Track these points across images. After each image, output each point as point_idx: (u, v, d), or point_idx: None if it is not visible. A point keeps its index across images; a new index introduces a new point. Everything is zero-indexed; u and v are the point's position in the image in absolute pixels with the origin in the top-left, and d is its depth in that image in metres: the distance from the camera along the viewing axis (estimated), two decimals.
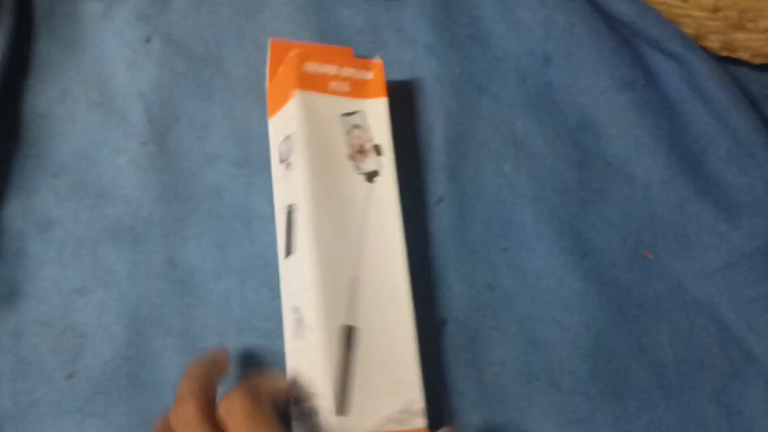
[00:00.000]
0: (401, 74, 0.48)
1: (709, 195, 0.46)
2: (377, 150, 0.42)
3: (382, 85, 0.43)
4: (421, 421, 0.37)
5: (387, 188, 0.42)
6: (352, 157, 0.41)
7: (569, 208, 0.46)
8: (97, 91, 0.47)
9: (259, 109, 0.47)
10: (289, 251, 0.40)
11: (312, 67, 0.42)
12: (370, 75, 0.43)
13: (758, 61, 0.49)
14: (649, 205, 0.46)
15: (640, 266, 0.45)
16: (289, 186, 0.40)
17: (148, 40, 0.48)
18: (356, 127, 0.42)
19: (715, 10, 0.47)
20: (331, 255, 0.38)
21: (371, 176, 0.41)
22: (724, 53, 0.49)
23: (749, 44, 0.47)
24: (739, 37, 0.47)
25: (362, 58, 0.45)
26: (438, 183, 0.46)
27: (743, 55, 0.48)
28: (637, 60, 0.49)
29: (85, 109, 0.46)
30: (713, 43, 0.48)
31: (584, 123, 0.48)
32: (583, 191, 0.46)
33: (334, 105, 0.42)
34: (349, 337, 0.37)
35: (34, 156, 0.45)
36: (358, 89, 0.43)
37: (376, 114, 0.43)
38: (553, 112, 0.48)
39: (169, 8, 0.49)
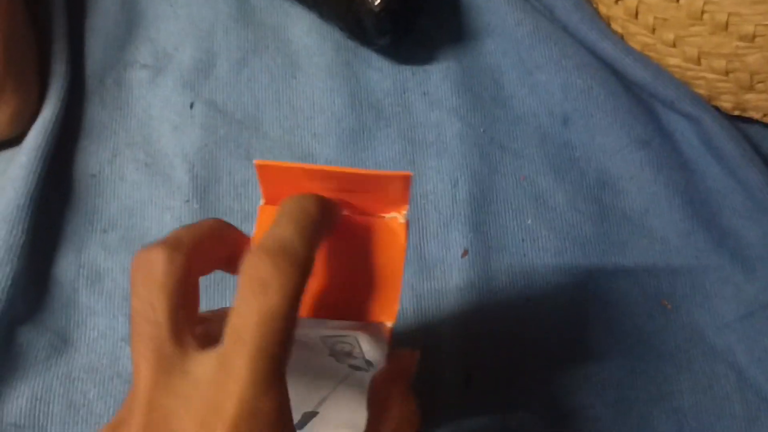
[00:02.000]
0: (427, 135, 0.51)
1: (725, 248, 0.48)
2: (368, 364, 0.31)
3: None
4: None
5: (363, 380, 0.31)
6: (333, 354, 0.31)
7: (590, 260, 0.48)
8: (144, 152, 0.50)
9: None
10: None
11: None
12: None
13: None
14: (667, 257, 0.48)
15: (659, 316, 0.47)
16: None
17: (191, 106, 0.51)
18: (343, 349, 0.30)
19: (727, 72, 0.49)
20: None
21: (355, 368, 0.32)
22: (736, 113, 0.51)
23: (760, 104, 0.50)
24: (750, 97, 0.49)
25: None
26: (463, 236, 0.48)
27: (754, 115, 0.50)
28: (652, 119, 0.51)
29: (133, 169, 0.50)
30: (725, 103, 0.51)
31: (603, 179, 0.50)
32: (603, 244, 0.48)
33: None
34: None
35: (85, 213, 0.48)
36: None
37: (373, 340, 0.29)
38: (573, 169, 0.50)
39: (212, 76, 0.52)
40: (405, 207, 0.28)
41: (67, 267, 0.47)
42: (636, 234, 0.49)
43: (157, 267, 0.24)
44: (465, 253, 0.48)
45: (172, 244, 0.25)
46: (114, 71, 0.53)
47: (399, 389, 0.29)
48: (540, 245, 0.48)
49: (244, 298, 0.23)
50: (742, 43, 0.47)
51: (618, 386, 0.45)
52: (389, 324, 0.26)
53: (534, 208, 0.49)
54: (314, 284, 0.27)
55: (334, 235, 0.28)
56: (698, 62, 0.50)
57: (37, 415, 0.42)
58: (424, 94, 0.52)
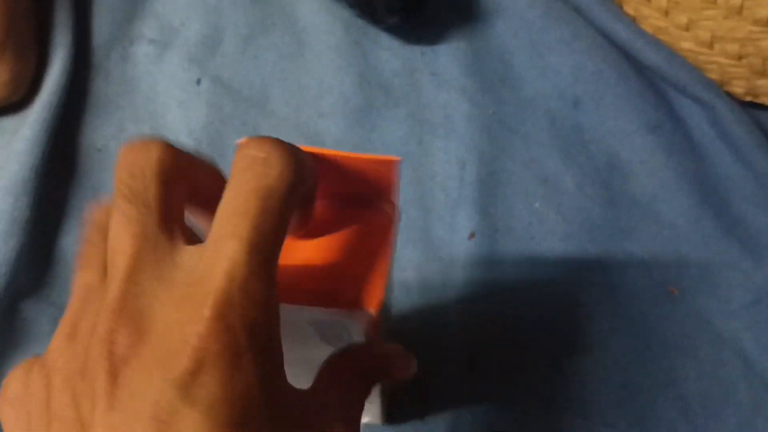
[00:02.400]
0: (435, 115, 0.51)
1: (734, 234, 0.47)
2: None
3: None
4: None
5: None
6: (324, 339, 0.29)
7: (597, 245, 0.48)
8: (150, 127, 0.50)
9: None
10: None
11: None
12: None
13: None
14: (675, 243, 0.48)
15: (666, 302, 0.46)
16: None
17: (198, 82, 0.51)
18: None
19: (740, 57, 0.48)
20: None
21: None
22: (748, 98, 0.50)
23: None
24: (763, 83, 0.49)
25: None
26: (470, 218, 0.48)
27: (767, 101, 0.50)
28: (663, 104, 0.51)
29: None
30: (738, 88, 0.50)
31: (612, 164, 0.50)
32: (611, 229, 0.48)
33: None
34: None
35: (91, 188, 0.48)
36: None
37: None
38: (582, 152, 0.50)
39: (219, 52, 0.52)
40: (394, 194, 0.27)
41: (72, 242, 0.46)
42: (644, 219, 0.48)
43: (154, 151, 0.22)
44: (472, 235, 0.47)
45: (157, 137, 0.23)
46: (120, 45, 0.52)
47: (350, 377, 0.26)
48: (547, 229, 0.48)
49: (241, 174, 0.21)
50: (756, 28, 0.46)
51: (623, 372, 0.45)
52: (373, 312, 0.26)
53: (542, 192, 0.49)
54: (299, 271, 0.26)
55: (321, 221, 0.27)
56: (711, 46, 0.49)
57: None
58: (433, 74, 0.52)
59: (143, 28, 0.53)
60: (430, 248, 0.47)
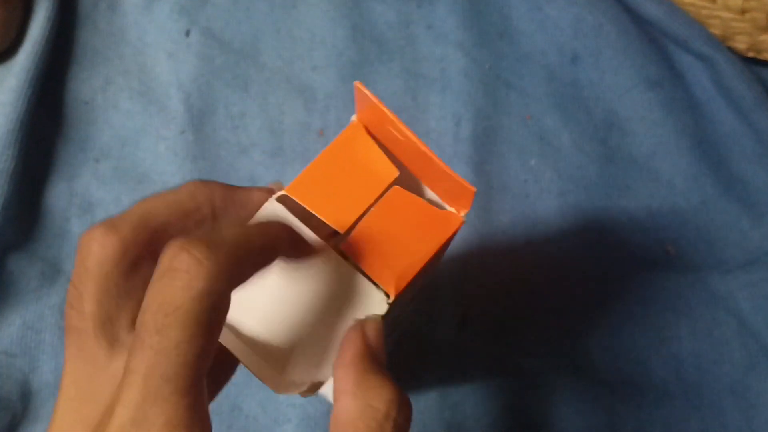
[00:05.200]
0: (431, 70, 0.49)
1: (732, 193, 0.47)
2: None
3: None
4: None
5: None
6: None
7: (593, 202, 0.47)
8: (139, 80, 0.49)
9: (293, 101, 0.48)
10: None
11: None
12: None
13: None
14: (672, 201, 0.47)
15: (662, 261, 0.46)
16: None
17: (187, 33, 0.50)
18: None
19: (743, 11, 0.47)
20: None
21: None
22: (751, 54, 0.49)
23: None
24: (766, 38, 0.48)
25: None
26: (464, 176, 0.47)
27: None
28: (664, 59, 0.49)
29: (127, 98, 0.48)
30: (740, 44, 0.49)
31: (610, 120, 0.49)
32: (608, 187, 0.47)
33: None
34: None
35: (78, 141, 0.47)
36: None
37: None
38: (580, 109, 0.49)
39: (208, 2, 0.50)
40: (466, 210, 0.27)
41: (59, 196, 0.46)
42: (642, 177, 0.48)
43: (90, 250, 0.21)
44: None
45: (110, 224, 0.21)
46: None
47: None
48: (543, 186, 0.47)
49: (150, 285, 0.19)
50: None
51: (616, 331, 0.44)
52: (390, 294, 0.26)
53: (538, 148, 0.48)
54: (363, 229, 0.26)
55: (394, 197, 0.27)
56: (713, 0, 0.48)
57: (28, 343, 0.42)
58: (429, 27, 0.51)
59: None
60: None
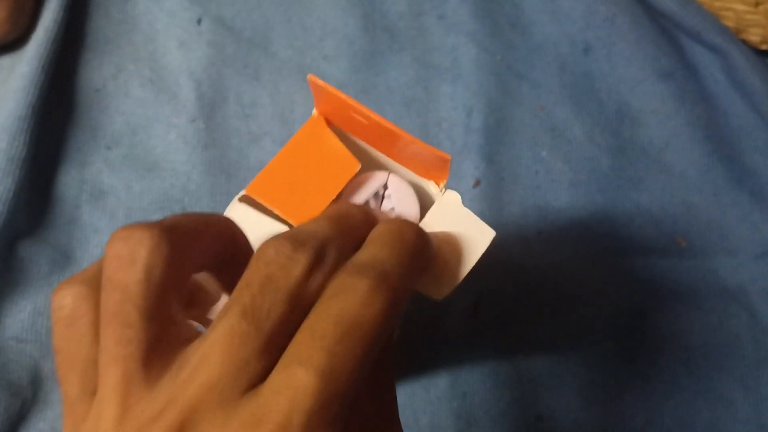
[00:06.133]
0: (442, 60, 0.49)
1: (744, 186, 0.47)
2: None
3: None
4: None
5: None
6: None
7: (605, 194, 0.47)
8: (150, 68, 0.49)
9: (303, 90, 0.48)
10: None
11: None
12: None
13: None
14: (684, 193, 0.47)
15: (673, 253, 0.46)
16: None
17: (199, 22, 0.50)
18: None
19: (757, 4, 0.47)
20: None
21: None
22: (764, 47, 0.49)
23: None
24: None
25: None
26: (476, 166, 0.47)
27: None
28: (676, 51, 0.49)
29: (138, 86, 0.48)
30: (753, 36, 0.49)
31: (622, 112, 0.48)
32: (619, 179, 0.47)
33: None
34: None
35: (89, 128, 0.47)
36: None
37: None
38: (592, 100, 0.49)
39: None
40: (444, 180, 0.27)
41: (70, 183, 0.46)
42: (654, 169, 0.47)
43: (140, 257, 0.19)
44: (477, 183, 0.47)
45: (166, 227, 0.20)
46: None
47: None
48: (554, 178, 0.47)
49: (327, 300, 0.19)
50: None
51: (627, 322, 0.44)
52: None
53: (550, 140, 0.48)
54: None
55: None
56: None
57: (38, 329, 0.42)
58: (441, 17, 0.50)
59: None
60: None
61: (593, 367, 0.43)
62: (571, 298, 0.45)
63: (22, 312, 0.42)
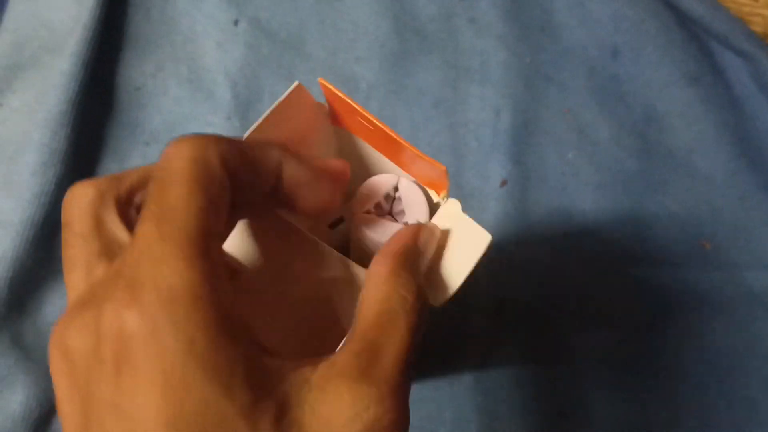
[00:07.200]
0: (472, 62, 0.50)
1: None
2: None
3: None
4: None
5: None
6: None
7: (631, 197, 0.47)
8: (188, 67, 0.50)
9: None
10: None
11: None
12: None
13: None
14: (710, 197, 0.47)
15: (698, 256, 0.46)
16: None
17: (236, 23, 0.51)
18: None
19: None
20: None
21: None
22: None
23: None
24: None
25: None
26: (503, 166, 0.48)
27: None
28: (704, 56, 0.50)
29: (176, 84, 0.50)
30: None
31: (649, 115, 0.49)
32: (646, 181, 0.48)
33: None
34: None
35: (128, 125, 0.48)
36: None
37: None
38: (619, 103, 0.49)
39: None
40: (444, 191, 0.28)
41: None
42: (680, 172, 0.48)
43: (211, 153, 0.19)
44: (504, 183, 0.47)
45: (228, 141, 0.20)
46: None
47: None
48: (580, 179, 0.48)
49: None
50: None
51: (651, 323, 0.45)
52: None
53: (577, 142, 0.49)
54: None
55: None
56: None
57: None
58: (471, 20, 0.51)
59: None
60: (461, 195, 0.47)
61: (616, 365, 0.44)
62: (596, 298, 0.45)
63: (62, 299, 0.43)
